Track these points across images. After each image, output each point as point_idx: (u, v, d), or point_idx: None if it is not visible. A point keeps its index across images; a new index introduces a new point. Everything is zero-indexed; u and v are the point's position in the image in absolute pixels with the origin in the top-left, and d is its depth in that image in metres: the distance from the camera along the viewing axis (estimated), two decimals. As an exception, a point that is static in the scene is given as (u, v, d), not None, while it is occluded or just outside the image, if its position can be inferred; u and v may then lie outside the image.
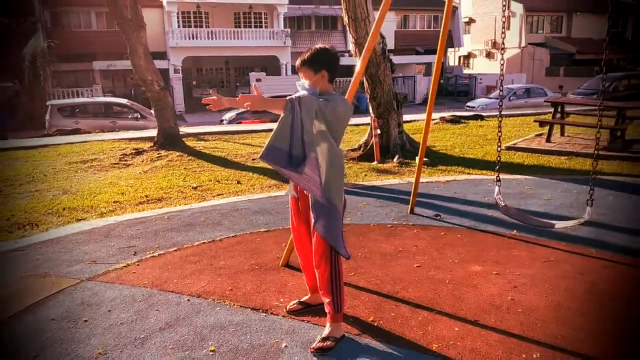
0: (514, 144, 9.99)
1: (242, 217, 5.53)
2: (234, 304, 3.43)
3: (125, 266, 4.20)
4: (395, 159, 8.94)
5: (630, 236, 4.51)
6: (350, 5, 7.84)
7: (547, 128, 10.28)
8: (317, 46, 2.92)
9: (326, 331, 2.90)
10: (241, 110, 19.37)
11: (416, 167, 8.07)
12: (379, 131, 9.12)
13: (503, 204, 4.17)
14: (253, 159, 9.80)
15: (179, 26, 28.07)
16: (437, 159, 8.87)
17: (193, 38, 27.69)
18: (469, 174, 7.71)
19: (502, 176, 7.30)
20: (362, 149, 9.77)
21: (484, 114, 16.09)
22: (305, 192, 2.93)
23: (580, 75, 30.55)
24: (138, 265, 4.22)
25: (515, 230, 4.75)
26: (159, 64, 13.40)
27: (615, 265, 3.87)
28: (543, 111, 17.67)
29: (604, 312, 3.14)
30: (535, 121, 10.59)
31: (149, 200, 6.74)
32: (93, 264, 4.25)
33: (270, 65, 29.23)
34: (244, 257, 4.29)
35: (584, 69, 31.70)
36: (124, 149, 11.14)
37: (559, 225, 3.83)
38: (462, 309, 3.23)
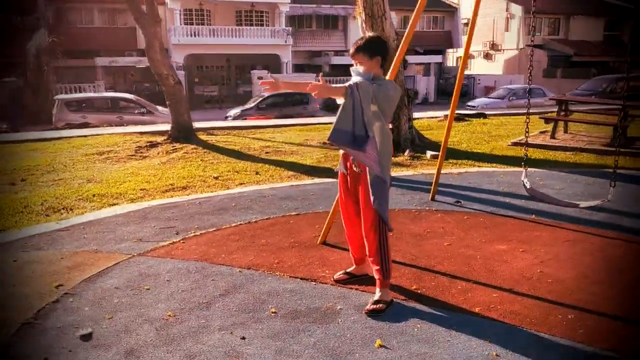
0: (520, 140, 10.29)
1: (270, 203, 5.79)
2: (283, 275, 3.70)
3: (171, 243, 4.45)
4: (406, 153, 9.23)
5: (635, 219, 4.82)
6: (367, 3, 8.12)
7: (551, 125, 10.61)
8: (370, 34, 3.21)
9: (377, 295, 3.18)
10: (246, 107, 19.65)
11: (427, 160, 8.41)
12: (390, 126, 9.39)
13: (529, 187, 4.46)
14: (267, 152, 10.07)
15: (181, 23, 28.26)
16: (447, 153, 9.13)
17: (195, 35, 27.90)
18: (479, 167, 8.01)
19: (512, 169, 7.68)
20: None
21: (485, 112, 16.42)
22: (355, 169, 3.21)
23: (577, 77, 30.98)
24: (183, 242, 4.47)
25: (533, 215, 5.05)
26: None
27: (629, 244, 4.18)
28: (544, 110, 18.05)
29: (623, 282, 3.44)
30: (540, 118, 10.90)
31: (174, 188, 6.98)
32: (139, 242, 4.51)
33: (272, 64, 29.47)
34: (282, 236, 4.55)
35: (581, 70, 32.16)
36: (137, 142, 11.36)
37: (584, 204, 4.13)
38: (496, 280, 3.52)
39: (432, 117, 15.72)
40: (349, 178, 3.32)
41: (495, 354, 2.61)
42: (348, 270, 3.61)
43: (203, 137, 12.22)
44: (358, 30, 33.25)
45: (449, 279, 3.55)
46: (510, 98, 21.01)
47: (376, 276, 3.21)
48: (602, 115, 11.89)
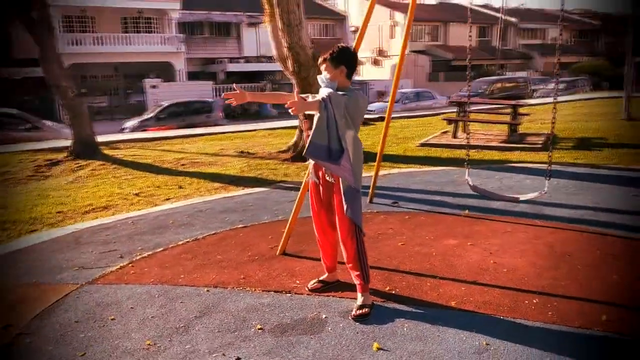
0: (427, 141, 10.97)
1: (210, 217, 5.62)
2: (255, 289, 3.63)
3: (119, 268, 4.16)
4: (326, 158, 9.42)
5: (556, 208, 5.37)
6: (283, 12, 8.18)
7: (451, 126, 11.43)
8: (339, 45, 3.28)
9: (360, 300, 3.24)
10: (145, 117, 18.75)
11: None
12: (310, 132, 9.52)
13: (472, 184, 4.78)
14: (182, 164, 9.72)
15: (60, 31, 26.19)
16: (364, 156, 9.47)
17: (78, 44, 26.04)
18: (399, 168, 8.40)
19: (429, 169, 8.17)
20: (292, 150, 10.14)
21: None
22: (328, 179, 3.25)
23: (458, 79, 33.58)
24: (132, 266, 4.20)
25: (467, 210, 5.43)
26: (38, 71, 12.28)
27: (561, 231, 4.66)
28: (436, 112, 19.37)
29: (568, 264, 3.85)
30: (444, 119, 11.68)
31: (94, 208, 6.51)
32: (82, 270, 4.16)
33: (165, 72, 28.38)
34: (237, 251, 4.45)
35: (461, 74, 34.90)
36: (34, 161, 10.39)
37: (523, 197, 4.53)
38: (458, 274, 3.75)
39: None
40: (321, 188, 3.35)
41: (485, 343, 2.79)
42: (321, 278, 3.64)
43: (107, 151, 11.48)
44: (252, 37, 33.01)
45: (417, 277, 3.72)
46: (404, 102, 22.22)
47: (357, 281, 3.28)
48: (493, 115, 13.01)
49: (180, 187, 7.60)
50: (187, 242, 4.77)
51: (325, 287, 3.58)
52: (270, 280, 3.77)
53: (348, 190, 3.17)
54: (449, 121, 11.31)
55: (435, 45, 38.20)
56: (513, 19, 39.41)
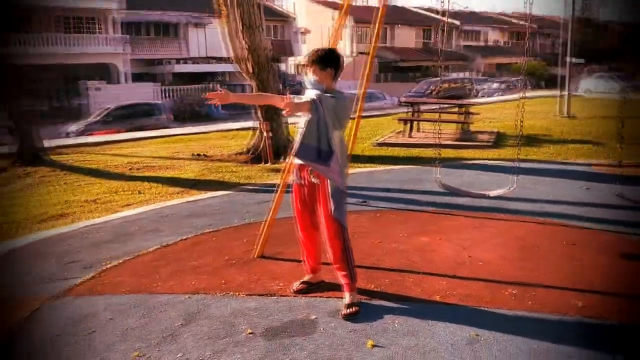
0: (383, 141, 11.15)
1: (177, 222, 5.48)
2: (238, 294, 3.57)
3: (90, 278, 3.99)
4: (287, 159, 9.39)
5: (517, 202, 5.60)
6: (244, 13, 8.10)
7: (405, 125, 11.68)
8: (325, 47, 3.30)
9: (347, 299, 3.26)
10: (90, 121, 18.06)
11: None
12: (270, 133, 9.48)
13: (443, 182, 4.89)
14: (138, 169, 9.43)
15: (-7, 31, 24.74)
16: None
17: (17, 45, 24.65)
18: (359, 167, 8.49)
19: (388, 167, 8.32)
20: (250, 152, 10.05)
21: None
22: (313, 180, 3.25)
23: (404, 80, 34.38)
24: (103, 276, 4.04)
25: (433, 207, 5.57)
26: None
27: (522, 223, 4.87)
28: (386, 113, 19.71)
29: (537, 254, 4.03)
30: (400, 120, 11.91)
31: (50, 217, 6.20)
32: (50, 282, 3.96)
33: (108, 74, 27.39)
34: (212, 256, 4.37)
35: (407, 75, 35.75)
36: (-26, 169, 9.76)
37: (492, 193, 4.69)
38: (437, 268, 3.85)
39: (292, 123, 16.16)
40: (305, 189, 3.35)
41: (474, 334, 2.88)
42: (305, 279, 3.63)
43: (53, 157, 10.94)
44: (198, 37, 32.27)
45: (398, 274, 3.78)
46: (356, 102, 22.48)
47: (344, 281, 3.30)
48: (445, 114, 13.35)
49: (139, 193, 7.36)
50: (158, 248, 4.63)
51: (310, 288, 3.57)
52: (252, 284, 3.73)
53: (335, 192, 3.19)
54: (404, 121, 11.54)
55: (382, 47, 38.87)
56: (456, 22, 40.72)
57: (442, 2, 4.72)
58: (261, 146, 9.78)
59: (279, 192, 4.29)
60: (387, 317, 3.14)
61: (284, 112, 2.99)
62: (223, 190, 7.13)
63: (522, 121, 4.38)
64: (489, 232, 4.68)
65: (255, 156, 9.66)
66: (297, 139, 3.23)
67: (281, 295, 3.52)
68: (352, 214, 5.41)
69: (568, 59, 19.75)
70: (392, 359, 2.69)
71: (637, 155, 7.38)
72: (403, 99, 24.63)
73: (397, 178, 7.28)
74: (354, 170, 8.14)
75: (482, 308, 3.21)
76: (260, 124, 9.93)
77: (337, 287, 3.49)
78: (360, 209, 5.69)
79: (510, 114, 16.93)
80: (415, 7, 43.78)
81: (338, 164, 3.15)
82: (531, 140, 10.63)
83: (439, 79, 26.95)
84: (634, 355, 2.63)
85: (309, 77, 3.24)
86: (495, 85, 29.22)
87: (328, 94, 3.16)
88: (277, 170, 8.53)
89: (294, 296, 3.50)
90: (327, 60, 3.21)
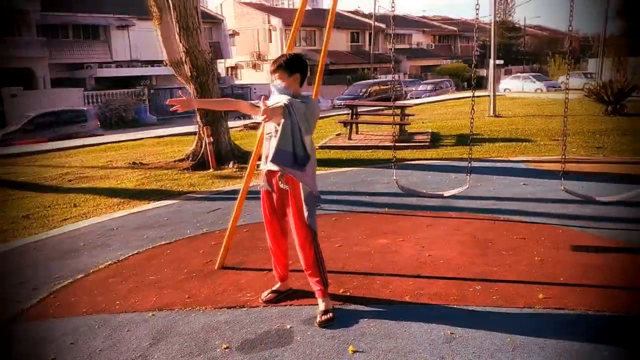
0: (324, 144, 11.23)
1: (127, 236, 5.24)
2: (205, 308, 3.47)
3: (40, 300, 3.72)
4: (230, 165, 9.24)
5: (464, 200, 5.83)
6: (181, 16, 7.86)
7: (344, 127, 11.84)
8: (291, 52, 3.28)
9: (322, 306, 3.25)
10: (9, 130, 16.85)
11: (258, 170, 8.61)
12: (211, 139, 9.27)
13: (400, 184, 4.97)
14: (69, 180, 8.92)
15: None
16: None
17: None
18: (305, 171, 8.51)
19: (334, 170, 8.39)
20: (190, 158, 9.78)
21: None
22: (282, 186, 3.22)
23: (336, 83, 34.83)
24: (55, 297, 3.78)
25: (386, 208, 5.68)
26: None
27: (472, 221, 5.08)
28: (325, 115, 19.85)
29: (491, 250, 4.21)
30: (339, 122, 12.04)
31: (-21, 236, 5.72)
32: (-7, 308, 3.65)
33: (25, 79, 25.65)
34: (170, 269, 4.21)
35: (338, 77, 36.24)
36: None
37: (447, 193, 4.84)
38: (401, 269, 3.92)
39: (231, 127, 15.91)
40: (274, 195, 3.31)
41: (450, 333, 2.97)
42: (274, 288, 3.58)
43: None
44: (122, 40, 31.09)
45: (365, 277, 3.82)
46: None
47: (317, 287, 3.28)
48: (381, 116, 13.69)
49: (75, 206, 6.96)
50: (110, 264, 4.40)
51: (280, 297, 3.53)
52: (218, 297, 3.63)
53: (309, 197, 3.17)
54: (344, 123, 11.69)
55: (312, 50, 39.15)
56: (382, 25, 41.79)
57: (389, 6, 4.79)
58: (202, 152, 9.55)
59: (239, 199, 4.21)
60: (362, 321, 3.16)
61: (260, 119, 2.93)
62: (168, 199, 6.90)
63: (472, 123, 4.55)
64: (442, 230, 4.84)
65: (197, 163, 9.41)
66: (272, 144, 3.19)
67: (251, 307, 3.46)
68: (307, 218, 5.43)
69: (491, 62, 20.75)
70: (375, 363, 2.71)
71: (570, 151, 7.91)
72: (337, 102, 25.03)
73: (347, 181, 7.35)
74: (301, 174, 8.15)
75: (452, 306, 3.31)
76: (200, 129, 9.70)
77: (307, 295, 3.49)
78: (323, 213, 5.68)
79: (440, 114, 17.68)
80: (343, 11, 44.48)
81: (313, 168, 3.14)
82: (465, 139, 11.10)
83: (370, 81, 27.62)
84: (600, 339, 2.81)
85: (276, 82, 3.21)
86: (422, 87, 30.27)
87: (297, 99, 3.14)
88: (222, 177, 8.38)
89: (264, 306, 3.45)
90: (294, 65, 3.20)
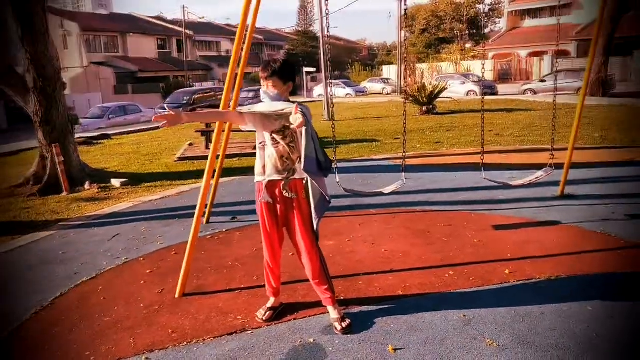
0: (183, 155, 10.68)
1: (27, 277, 4.34)
2: (203, 339, 3.13)
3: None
4: (86, 186, 8.20)
5: (367, 198, 6.20)
6: (20, 14, 6.68)
7: (202, 136, 11.42)
8: (283, 58, 3.15)
9: (335, 313, 3.20)
10: None
11: (121, 189, 7.94)
12: (62, 158, 8.09)
13: (344, 187, 5.02)
14: None
15: None
16: (130, 179, 8.62)
17: None
18: (182, 184, 8.03)
19: (221, 180, 8.08)
20: (33, 182, 8.40)
21: (109, 132, 15.81)
22: (287, 195, 3.09)
23: (148, 91, 33.03)
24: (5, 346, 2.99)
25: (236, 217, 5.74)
26: None
27: (401, 214, 5.45)
28: (147, 127, 18.71)
29: (436, 238, 4.61)
30: (197, 131, 11.54)
31: None
32: None
33: None
34: (122, 306, 3.65)
35: (150, 86, 34.36)
36: None
37: (386, 189, 5.05)
38: (371, 267, 4.05)
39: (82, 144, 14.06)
40: (279, 206, 3.15)
41: (463, 315, 3.21)
42: (269, 305, 3.39)
43: None
44: None
45: (344, 280, 3.84)
46: (109, 116, 20.67)
47: (326, 295, 3.22)
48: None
49: None
50: (35, 313, 3.62)
51: (276, 313, 3.37)
52: (207, 326, 3.30)
53: (320, 202, 3.10)
54: (202, 132, 11.26)
55: (116, 57, 36.44)
56: (190, 32, 40.93)
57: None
58: (48, 174, 8.28)
59: (195, 219, 3.86)
60: (377, 321, 3.22)
61: (296, 126, 2.74)
62: (36, 231, 5.83)
63: (405, 125, 4.84)
64: (377, 227, 5.10)
65: (45, 186, 8.12)
66: (268, 153, 3.03)
67: (253, 328, 3.23)
68: (235, 232, 5.21)
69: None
70: (423, 356, 2.80)
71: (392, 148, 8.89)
72: (160, 112, 23.77)
73: (240, 190, 7.16)
74: (187, 187, 7.68)
75: (444, 292, 3.56)
76: (41, 148, 8.40)
77: (301, 306, 3.44)
78: (235, 225, 5.47)
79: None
80: (146, 16, 42.35)
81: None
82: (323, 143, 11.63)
83: (194, 88, 26.89)
84: (577, 298, 3.34)
85: (270, 90, 3.06)
86: (243, 94, 30.50)
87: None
88: (86, 200, 7.40)
89: (268, 325, 3.26)
90: (288, 72, 3.09)
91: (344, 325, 3.12)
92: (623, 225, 4.75)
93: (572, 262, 3.96)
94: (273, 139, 3.07)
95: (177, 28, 39.70)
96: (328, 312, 3.28)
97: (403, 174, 4.87)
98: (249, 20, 4.18)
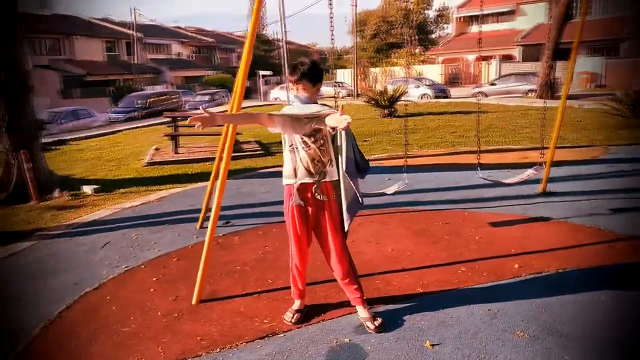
0: (152, 160, 10.38)
1: (29, 291, 4.12)
2: (236, 345, 3.08)
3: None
4: (57, 194, 7.84)
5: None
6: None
7: (170, 140, 11.15)
8: (312, 59, 3.16)
9: (365, 312, 3.23)
10: None
11: (94, 195, 7.70)
12: (30, 164, 7.70)
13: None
14: None
15: None
16: (104, 185, 8.32)
17: None
18: (160, 190, 7.82)
19: (198, 185, 7.95)
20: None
21: (66, 137, 15.16)
22: (319, 197, 3.10)
23: (97, 95, 31.85)
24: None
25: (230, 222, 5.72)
26: None
27: (391, 215, 5.54)
28: (104, 132, 18.09)
29: (437, 237, 4.72)
30: (165, 135, 11.26)
31: None
32: None
33: None
34: (139, 315, 3.53)
35: (96, 90, 33.14)
36: None
37: (388, 190, 5.11)
38: (383, 267, 4.10)
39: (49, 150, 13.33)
40: (310, 209, 3.15)
41: (487, 310, 3.32)
42: (296, 308, 3.39)
43: None
44: None
45: (361, 280, 3.82)
46: (61, 121, 19.80)
47: (356, 295, 3.25)
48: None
49: None
50: (45, 327, 3.44)
51: (303, 316, 3.36)
52: (235, 331, 3.25)
53: (352, 203, 3.13)
54: (171, 137, 11.00)
55: (61, 60, 34.95)
56: (139, 34, 39.84)
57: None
58: (14, 182, 7.85)
59: (211, 226, 3.78)
60: (406, 318, 3.27)
61: (341, 127, 2.72)
62: (6, 244, 5.49)
63: (406, 126, 4.95)
64: (376, 227, 5.17)
65: (11, 194, 7.69)
66: (301, 156, 3.03)
67: (284, 331, 3.21)
68: (234, 236, 5.16)
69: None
70: (461, 350, 2.88)
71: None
72: (113, 116, 23.02)
73: (226, 193, 7.00)
74: (166, 192, 7.49)
75: (462, 288, 3.66)
76: (8, 154, 7.96)
77: (326, 308, 3.46)
78: (231, 230, 5.39)
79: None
80: (92, 18, 40.86)
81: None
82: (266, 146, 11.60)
83: (148, 92, 26.17)
84: (589, 288, 3.52)
85: (300, 93, 3.07)
86: (198, 97, 30.04)
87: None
88: (59, 209, 7.08)
89: (298, 327, 3.25)
90: (316, 74, 3.11)
91: (376, 324, 3.16)
92: (608, 219, 5.04)
93: (573, 255, 4.17)
94: (304, 142, 3.06)
95: (125, 30, 38.52)
96: (354, 312, 3.32)
97: (405, 174, 4.96)
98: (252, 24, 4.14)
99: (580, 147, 9.50)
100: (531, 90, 22.93)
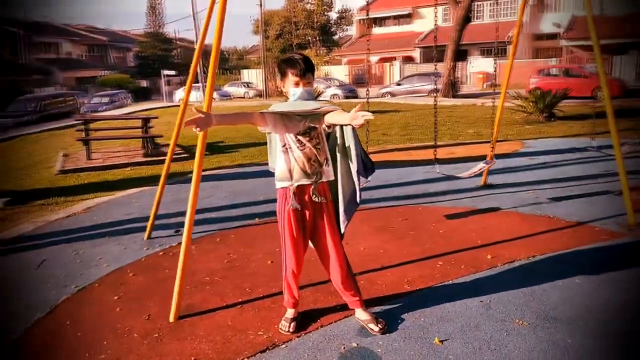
0: (64, 168, 9.46)
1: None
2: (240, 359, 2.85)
3: None
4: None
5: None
6: None
7: (84, 146, 10.24)
8: (303, 54, 3.02)
9: (366, 315, 3.14)
10: None
11: (8, 211, 6.97)
12: None
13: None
14: None
15: None
16: (17, 197, 7.44)
17: None
18: (82, 200, 7.15)
19: (131, 191, 7.41)
20: None
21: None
22: (317, 199, 2.97)
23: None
24: None
25: (256, 219, 5.52)
26: None
27: (365, 213, 5.47)
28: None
29: (406, 232, 4.75)
30: (78, 140, 10.31)
31: None
32: None
33: None
34: (112, 339, 3.15)
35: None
36: None
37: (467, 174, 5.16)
38: (363, 266, 4.02)
39: None
40: (307, 212, 3.00)
41: (480, 301, 3.37)
42: (290, 317, 3.20)
43: None
44: None
45: (344, 281, 3.78)
46: None
47: (355, 298, 3.15)
48: (120, 130, 12.32)
49: None
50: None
51: (299, 324, 3.20)
52: (231, 346, 3.01)
53: (349, 205, 3.02)
54: (84, 141, 10.11)
55: None
56: (21, 32, 36.42)
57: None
58: None
59: (186, 234, 3.49)
60: (405, 316, 3.23)
61: (357, 124, 2.56)
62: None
63: (435, 123, 4.90)
64: (375, 225, 5.05)
65: None
66: (295, 155, 2.87)
67: (284, 342, 3.03)
68: (193, 244, 4.82)
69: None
70: (471, 343, 2.89)
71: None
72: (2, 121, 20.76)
73: (164, 200, 6.59)
74: (91, 202, 6.85)
75: (447, 282, 3.69)
76: None
77: (318, 313, 3.33)
78: (198, 236, 5.04)
79: (157, 122, 17.03)
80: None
81: None
82: (215, 148, 11.25)
83: (43, 94, 23.99)
84: (566, 275, 3.71)
85: (308, 88, 2.93)
86: (96, 99, 28.00)
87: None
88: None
89: (298, 336, 3.09)
90: (313, 67, 2.98)
91: (380, 325, 3.08)
92: (552, 207, 5.39)
93: (535, 243, 4.39)
94: (299, 141, 2.91)
95: (9, 28, 35.03)
96: (350, 315, 3.23)
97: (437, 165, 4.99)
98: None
99: (499, 141, 10.12)
100: (435, 90, 24.18)
